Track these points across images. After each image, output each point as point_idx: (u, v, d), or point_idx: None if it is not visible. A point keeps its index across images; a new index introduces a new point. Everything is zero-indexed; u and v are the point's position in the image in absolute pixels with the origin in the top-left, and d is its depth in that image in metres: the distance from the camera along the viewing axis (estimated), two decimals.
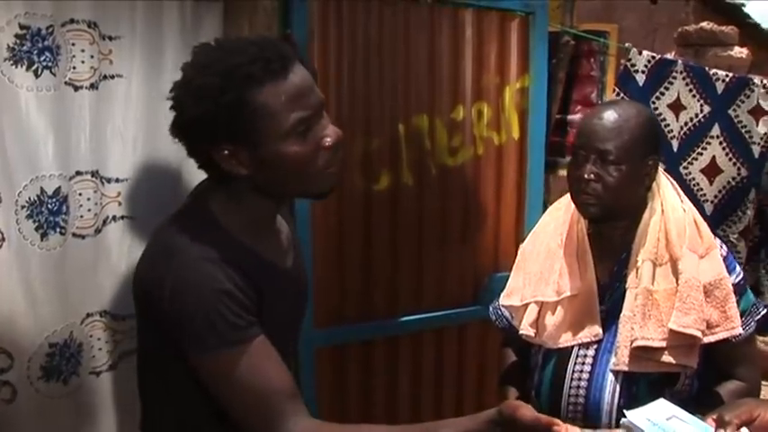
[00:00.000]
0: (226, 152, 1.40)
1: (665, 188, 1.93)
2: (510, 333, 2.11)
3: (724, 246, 1.95)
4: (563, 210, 2.03)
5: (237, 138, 1.38)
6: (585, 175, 1.81)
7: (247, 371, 1.38)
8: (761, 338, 3.49)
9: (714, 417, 1.37)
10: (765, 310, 1.99)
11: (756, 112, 3.12)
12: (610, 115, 1.83)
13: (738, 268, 1.93)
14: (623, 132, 1.81)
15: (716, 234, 3.16)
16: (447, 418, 2.80)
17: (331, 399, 2.63)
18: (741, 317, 1.85)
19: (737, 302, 1.85)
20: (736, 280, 1.88)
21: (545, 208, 2.84)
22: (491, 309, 2.19)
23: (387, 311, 2.73)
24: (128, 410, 2.01)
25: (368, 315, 2.68)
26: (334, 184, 1.52)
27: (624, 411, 1.47)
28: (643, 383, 1.82)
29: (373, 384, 2.77)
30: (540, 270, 1.98)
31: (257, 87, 1.35)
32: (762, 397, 2.31)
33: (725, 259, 1.89)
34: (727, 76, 3.16)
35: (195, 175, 2.04)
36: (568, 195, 1.99)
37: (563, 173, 3.32)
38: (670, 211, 1.88)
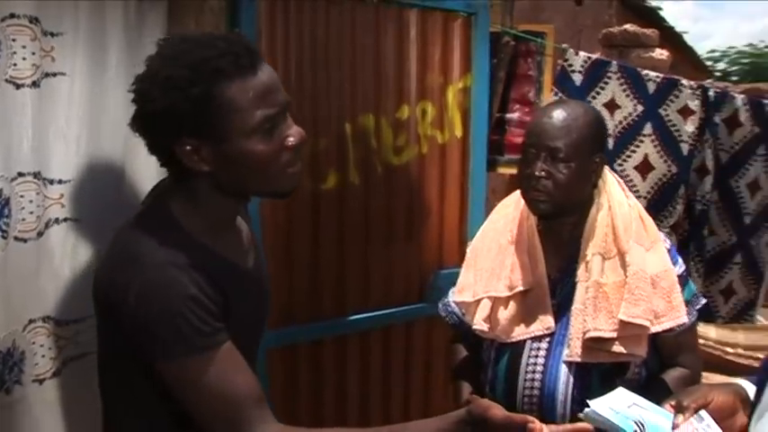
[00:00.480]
0: (189, 147, 1.38)
1: (611, 185, 1.99)
2: (461, 329, 2.13)
3: (668, 239, 2.02)
4: (512, 207, 2.07)
5: (202, 133, 1.37)
6: (536, 173, 1.85)
7: (215, 377, 1.37)
8: (708, 337, 3.63)
9: (672, 403, 1.42)
10: (704, 301, 2.07)
11: (685, 112, 3.24)
12: (559, 114, 1.88)
13: (681, 260, 2.00)
14: (572, 131, 1.86)
15: None
16: (395, 416, 2.86)
17: (283, 399, 2.61)
18: (684, 307, 1.92)
19: (681, 293, 1.92)
20: (680, 271, 1.95)
21: (486, 205, 2.90)
22: (440, 305, 2.21)
23: (335, 311, 2.73)
24: (73, 417, 1.95)
25: (317, 315, 2.68)
26: (296, 184, 1.52)
27: (587, 401, 1.50)
28: (595, 373, 1.87)
29: (323, 384, 2.76)
30: (492, 266, 2.01)
31: (226, 82, 1.34)
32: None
33: (669, 252, 1.96)
34: (657, 77, 3.27)
35: (140, 174, 2.02)
36: (517, 192, 2.03)
37: (502, 170, 3.38)
38: (616, 206, 1.94)
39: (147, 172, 2.00)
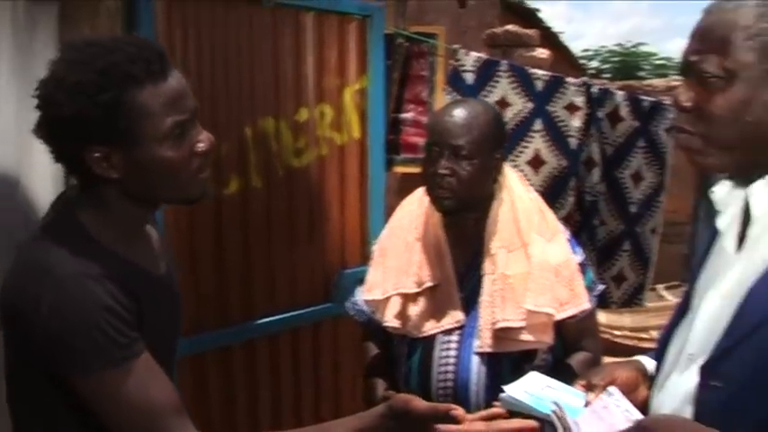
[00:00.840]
0: (98, 154, 1.35)
1: (512, 179, 2.06)
2: (371, 327, 2.16)
3: (567, 230, 2.11)
4: (416, 204, 2.11)
5: (112, 139, 1.34)
6: (440, 171, 1.90)
7: (133, 389, 1.34)
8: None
9: (582, 382, 1.49)
10: (603, 287, 2.18)
11: (571, 108, 3.38)
12: (460, 113, 1.94)
13: (580, 249, 2.09)
14: (473, 129, 1.92)
15: None
16: (307, 417, 2.86)
17: (194, 407, 2.56)
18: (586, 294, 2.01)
19: (581, 281, 2.01)
20: (580, 260, 2.04)
21: (386, 204, 2.94)
22: (349, 305, 2.23)
23: (243, 315, 2.71)
24: None
25: (224, 321, 2.65)
26: (206, 190, 1.51)
27: (502, 387, 1.55)
28: (506, 362, 1.93)
29: (234, 390, 2.74)
30: (399, 263, 2.04)
31: (137, 87, 1.32)
32: None
33: (569, 242, 2.04)
34: (545, 75, 3.40)
35: (34, 182, 1.95)
36: (421, 190, 2.07)
37: (398, 169, 3.44)
38: (518, 200, 2.01)
39: (41, 179, 1.93)
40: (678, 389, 1.28)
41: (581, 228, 3.48)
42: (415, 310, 1.99)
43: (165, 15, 2.37)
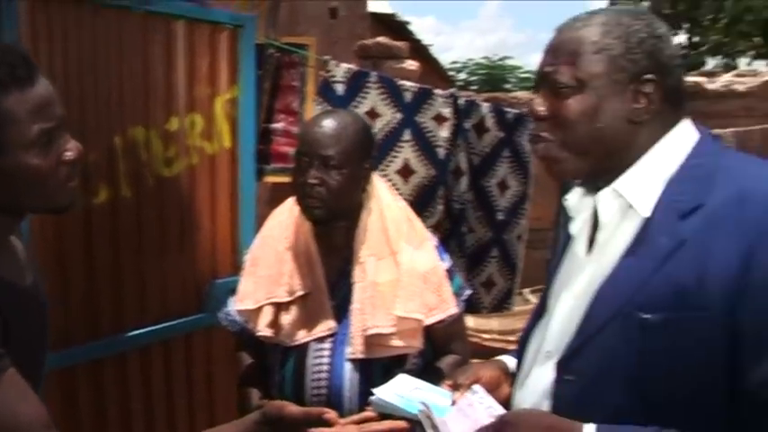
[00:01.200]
0: None
1: (381, 189, 2.11)
2: (244, 337, 2.17)
3: (434, 237, 2.18)
4: (287, 214, 2.13)
5: None
6: (310, 180, 1.93)
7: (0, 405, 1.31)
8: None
9: (449, 382, 1.56)
10: (470, 292, 2.27)
11: (439, 119, 3.47)
12: (329, 123, 1.98)
13: (447, 256, 2.17)
14: (342, 139, 1.97)
15: None
16: (182, 429, 2.81)
17: (63, 423, 2.48)
18: (453, 299, 2.09)
19: (449, 286, 2.09)
20: (447, 266, 2.12)
21: (257, 213, 2.94)
22: (222, 315, 2.22)
23: (113, 328, 2.65)
24: None
25: (95, 333, 2.58)
26: (74, 199, 1.49)
27: (372, 390, 1.59)
28: (377, 368, 1.98)
29: (105, 404, 2.67)
30: (271, 273, 2.06)
31: (2, 93, 1.29)
32: None
33: (436, 249, 2.12)
34: (413, 86, 3.48)
35: None
36: (291, 199, 2.10)
37: (269, 179, 3.44)
38: (386, 209, 2.07)
39: None
40: (537, 384, 1.38)
41: (450, 235, 3.57)
42: (287, 318, 2.02)
43: (28, 20, 2.30)
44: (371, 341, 1.97)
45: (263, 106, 3.23)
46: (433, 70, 10.41)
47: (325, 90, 3.27)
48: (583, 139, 1.30)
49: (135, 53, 2.64)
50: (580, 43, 1.31)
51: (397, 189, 3.41)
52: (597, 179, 1.35)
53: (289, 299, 2.02)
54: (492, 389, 1.52)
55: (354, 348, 1.98)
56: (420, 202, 3.42)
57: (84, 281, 2.55)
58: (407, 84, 3.48)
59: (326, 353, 2.00)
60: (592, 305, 1.29)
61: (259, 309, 2.04)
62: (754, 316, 1.14)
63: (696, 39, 10.79)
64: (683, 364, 1.18)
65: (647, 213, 1.27)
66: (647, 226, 1.27)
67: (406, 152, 3.42)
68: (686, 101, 1.36)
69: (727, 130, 5.23)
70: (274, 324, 2.02)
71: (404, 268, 2.01)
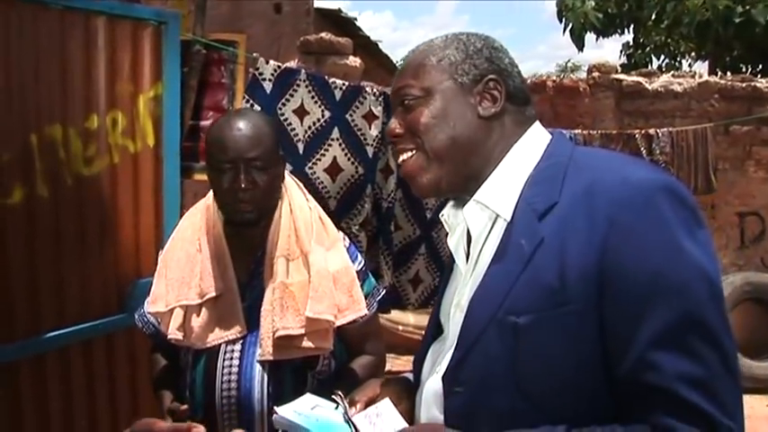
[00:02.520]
0: None
1: (292, 189, 2.11)
2: (158, 339, 2.14)
3: (347, 238, 2.18)
4: (199, 215, 2.11)
5: None
6: (243, 185, 1.91)
7: None
8: (384, 317, 3.92)
9: (347, 400, 1.57)
10: (384, 291, 2.28)
11: (369, 117, 3.49)
12: (245, 125, 1.95)
13: (360, 257, 2.17)
14: (263, 139, 1.95)
15: (340, 227, 3.49)
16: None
17: None
18: (365, 299, 2.10)
19: (361, 287, 2.09)
20: (359, 267, 2.12)
21: (181, 212, 2.91)
22: (137, 316, 2.20)
23: (29, 330, 2.61)
24: None
25: (8, 336, 2.54)
26: None
27: (274, 408, 1.58)
28: (288, 370, 1.97)
29: (22, 407, 2.63)
30: (182, 275, 2.04)
31: None
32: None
33: (348, 250, 2.12)
34: (344, 84, 3.49)
35: None
36: (204, 200, 2.09)
37: (198, 177, 3.42)
38: (297, 210, 2.07)
39: None
40: (429, 398, 1.39)
41: (378, 233, 3.59)
42: (197, 321, 1.99)
43: None
44: (281, 343, 1.96)
45: (189, 104, 3.20)
46: (382, 65, 10.40)
47: (253, 88, 3.27)
48: (440, 141, 1.34)
49: (52, 49, 2.60)
50: (423, 59, 1.38)
51: (325, 187, 3.42)
52: (460, 190, 1.38)
53: (199, 301, 1.99)
54: (396, 404, 1.53)
55: (264, 350, 1.96)
56: (348, 200, 3.43)
57: None
58: (338, 82, 3.49)
59: (237, 354, 1.98)
60: (467, 316, 1.31)
61: (170, 311, 2.02)
62: (615, 303, 1.17)
63: (641, 39, 10.99)
64: (560, 361, 1.20)
65: (508, 217, 1.30)
66: (510, 230, 1.30)
67: (335, 150, 3.43)
68: (531, 103, 1.41)
69: (663, 129, 5.33)
70: (184, 327, 2.00)
71: (314, 269, 2.00)
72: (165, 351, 2.16)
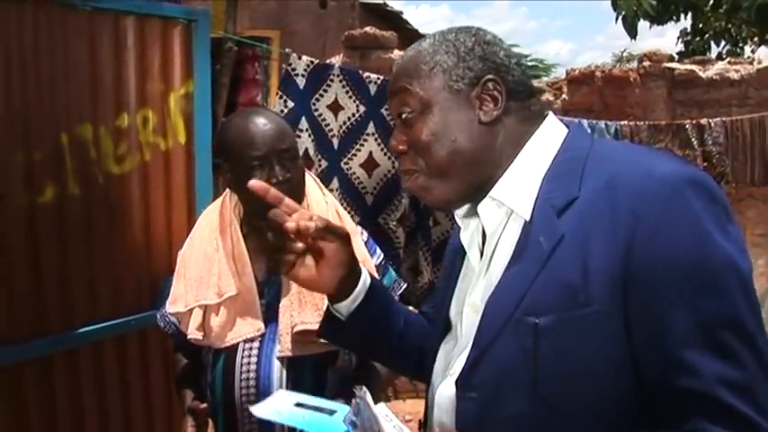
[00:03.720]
0: None
1: (309, 183, 2.08)
2: (179, 338, 2.14)
3: (365, 232, 2.16)
4: (216, 214, 2.11)
5: None
6: (280, 178, 1.88)
7: None
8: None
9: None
10: (406, 285, 2.25)
11: None
12: (268, 120, 1.94)
13: (379, 250, 2.15)
14: (286, 130, 1.96)
15: (377, 222, 3.50)
16: (138, 429, 2.81)
17: (10, 422, 2.50)
18: None
19: (381, 281, 2.07)
20: (378, 261, 2.10)
21: None
22: (159, 316, 2.20)
23: (62, 325, 2.64)
24: None
25: (42, 330, 2.58)
26: None
27: (250, 408, 1.52)
28: (307, 365, 1.96)
29: (56, 402, 2.67)
30: (200, 275, 2.03)
31: None
32: None
33: (366, 243, 2.10)
34: (378, 78, 3.46)
35: None
36: (219, 200, 2.09)
37: None
38: (314, 204, 2.05)
39: None
40: (442, 402, 1.33)
41: (416, 228, 3.55)
42: (216, 320, 1.99)
43: None
44: (300, 338, 1.94)
45: (222, 101, 3.21)
46: None
47: (287, 83, 3.26)
48: (442, 159, 1.27)
49: (82, 50, 2.62)
50: (413, 70, 1.31)
51: (361, 183, 3.40)
52: (474, 197, 1.32)
53: (218, 300, 1.99)
54: None
55: (282, 346, 1.95)
56: (385, 196, 3.40)
57: (30, 278, 2.55)
58: (373, 76, 3.46)
59: (255, 351, 1.98)
60: (483, 317, 1.25)
61: (189, 311, 2.02)
62: (643, 302, 1.10)
63: (699, 25, 10.66)
64: (582, 364, 1.14)
65: (527, 215, 1.24)
66: (528, 228, 1.23)
67: (371, 145, 3.40)
68: (536, 95, 1.34)
69: (716, 119, 5.17)
70: (204, 326, 2.00)
71: None
72: (187, 350, 2.16)
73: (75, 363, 2.72)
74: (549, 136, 1.30)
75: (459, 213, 1.41)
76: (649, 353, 1.11)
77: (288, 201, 1.36)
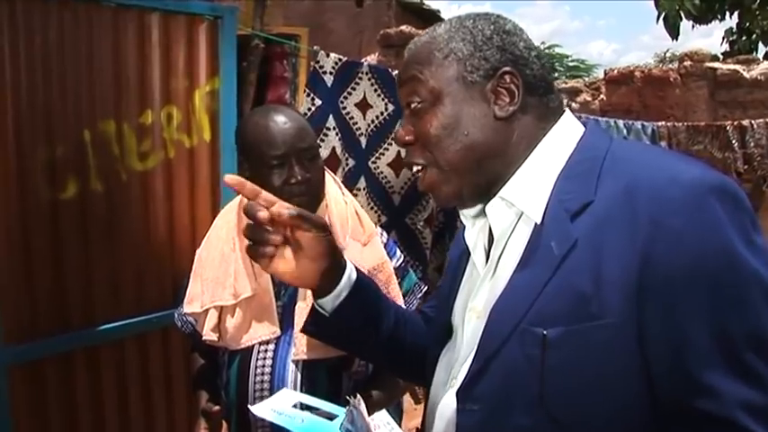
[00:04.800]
0: None
1: (328, 182, 2.04)
2: (196, 338, 2.12)
3: (384, 233, 2.11)
4: (233, 214, 2.08)
5: None
6: (299, 178, 1.86)
7: None
8: None
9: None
10: (426, 288, 2.19)
11: None
12: (287, 118, 1.91)
13: (399, 253, 2.09)
14: (307, 129, 1.93)
15: (404, 222, 3.44)
16: (159, 427, 2.79)
17: (30, 419, 2.50)
18: (405, 296, 2.02)
19: (400, 284, 2.02)
20: (397, 264, 2.05)
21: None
22: (176, 315, 2.18)
23: (84, 321, 2.64)
24: None
25: (63, 326, 2.58)
26: None
27: (249, 407, 1.47)
28: (322, 369, 1.92)
29: (77, 399, 2.66)
30: (216, 275, 2.01)
31: None
32: None
33: (385, 245, 2.05)
34: None
35: None
36: (238, 198, 2.05)
37: None
38: (333, 204, 2.00)
39: None
40: (444, 413, 1.27)
41: (444, 229, 3.50)
42: (232, 322, 1.96)
43: None
44: (315, 342, 1.88)
45: (249, 98, 3.19)
46: None
47: (314, 81, 3.23)
48: (453, 153, 1.21)
49: (106, 46, 2.61)
50: (426, 57, 1.24)
51: (389, 182, 3.35)
52: (485, 195, 1.25)
53: (233, 302, 1.96)
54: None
55: (298, 349, 1.91)
56: (412, 196, 3.35)
57: (53, 273, 2.55)
58: None
59: (270, 354, 1.94)
60: (487, 325, 1.18)
61: (205, 312, 2.00)
62: (661, 316, 1.03)
63: (745, 25, 10.41)
64: (591, 378, 1.07)
65: (538, 218, 1.17)
66: (539, 232, 1.16)
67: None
68: (554, 91, 1.26)
69: (758, 120, 5.03)
70: (219, 328, 1.98)
71: None
72: (204, 350, 2.14)
73: (97, 360, 2.71)
74: (565, 134, 1.23)
75: (465, 212, 1.34)
76: (666, 371, 1.04)
77: (265, 194, 1.30)
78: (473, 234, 1.33)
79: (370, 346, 1.53)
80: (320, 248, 1.33)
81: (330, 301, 1.41)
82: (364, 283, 1.46)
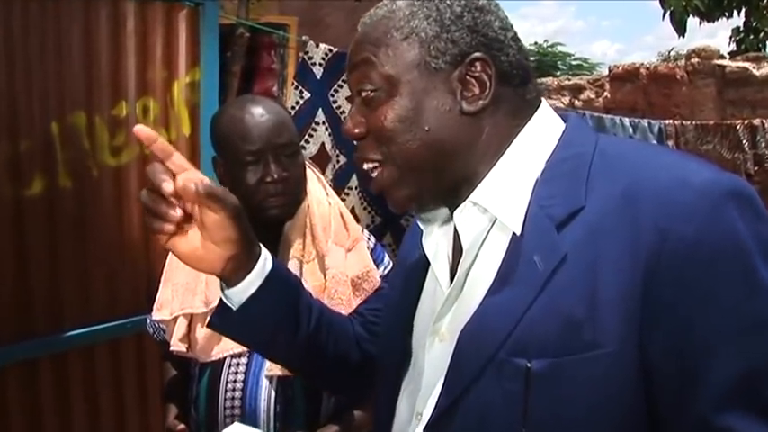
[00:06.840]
0: None
1: (311, 181, 1.88)
2: (167, 346, 1.96)
3: (372, 238, 1.94)
4: None
5: None
6: (275, 176, 1.70)
7: None
8: None
9: None
10: None
11: None
12: (266, 111, 1.74)
13: (387, 259, 1.92)
14: (288, 124, 1.77)
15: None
16: None
17: None
18: None
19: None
20: (385, 271, 1.87)
21: None
22: (148, 321, 2.01)
23: (50, 327, 2.49)
24: None
25: (28, 332, 2.43)
26: None
27: None
28: (298, 386, 1.76)
29: (42, 409, 2.51)
30: (187, 280, 1.85)
31: None
32: None
33: (372, 251, 1.88)
34: None
35: None
36: None
37: None
38: (315, 205, 1.84)
39: None
40: None
41: None
42: (202, 332, 1.80)
43: None
44: None
45: (232, 90, 3.02)
46: None
47: (303, 73, 3.06)
48: (411, 150, 1.02)
49: (76, 36, 2.48)
50: (381, 37, 1.03)
51: None
52: (450, 199, 1.06)
53: (204, 310, 1.79)
54: None
55: (272, 364, 1.74)
56: None
57: (15, 276, 2.41)
58: None
59: (242, 368, 1.79)
60: (456, 353, 1.00)
61: (174, 319, 1.84)
62: (668, 346, 0.87)
63: (753, 23, 10.24)
64: (582, 415, 0.90)
65: (517, 227, 0.98)
66: (519, 243, 0.97)
67: None
68: (532, 80, 1.07)
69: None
70: (188, 338, 1.82)
71: (330, 273, 1.77)
72: (176, 360, 1.97)
73: (64, 367, 2.57)
74: (543, 130, 1.04)
75: (424, 216, 1.13)
76: (675, 408, 0.88)
77: (177, 157, 1.09)
78: (432, 242, 1.12)
79: (282, 348, 1.35)
80: (229, 233, 1.13)
81: (238, 294, 1.21)
82: (281, 278, 1.25)
